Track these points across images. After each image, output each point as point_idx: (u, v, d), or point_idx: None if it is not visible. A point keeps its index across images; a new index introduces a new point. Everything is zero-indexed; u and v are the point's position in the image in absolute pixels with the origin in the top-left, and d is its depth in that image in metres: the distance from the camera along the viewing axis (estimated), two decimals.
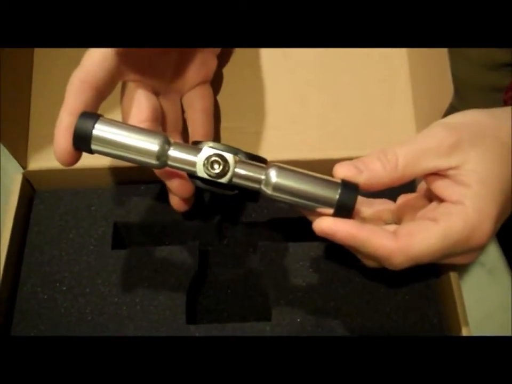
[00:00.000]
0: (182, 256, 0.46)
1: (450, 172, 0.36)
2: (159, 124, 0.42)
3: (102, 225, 0.48)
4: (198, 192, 0.49)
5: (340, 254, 0.46)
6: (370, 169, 0.37)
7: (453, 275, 0.43)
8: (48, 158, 0.48)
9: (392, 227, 0.39)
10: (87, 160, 0.47)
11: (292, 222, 0.48)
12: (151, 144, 0.36)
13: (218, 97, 0.50)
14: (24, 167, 0.48)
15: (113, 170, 0.49)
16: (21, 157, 0.48)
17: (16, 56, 0.48)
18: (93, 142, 0.37)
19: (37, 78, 0.51)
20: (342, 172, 0.37)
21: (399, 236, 0.36)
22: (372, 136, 0.48)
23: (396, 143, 0.44)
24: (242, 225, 0.49)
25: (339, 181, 0.37)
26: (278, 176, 0.36)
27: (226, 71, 0.51)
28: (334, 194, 0.36)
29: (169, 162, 0.37)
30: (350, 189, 0.36)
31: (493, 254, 0.56)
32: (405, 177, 0.37)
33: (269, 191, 0.37)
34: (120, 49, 0.39)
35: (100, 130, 0.36)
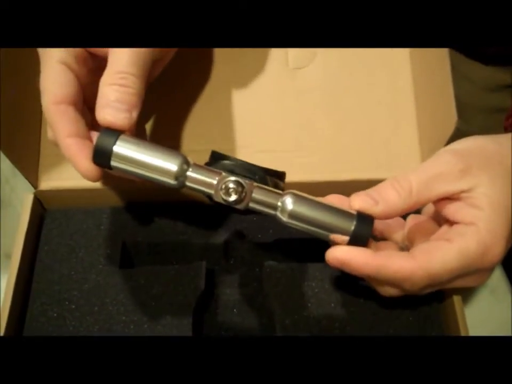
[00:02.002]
0: (189, 275, 0.47)
1: (463, 195, 0.38)
2: (80, 104, 0.40)
3: (110, 245, 0.49)
4: (205, 212, 0.50)
5: (345, 275, 0.46)
6: (386, 200, 0.37)
7: (456, 298, 0.44)
8: (59, 178, 0.49)
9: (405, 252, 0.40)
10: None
11: (298, 242, 0.49)
12: (170, 164, 0.37)
13: (225, 119, 0.51)
14: (35, 186, 0.49)
15: (122, 190, 0.49)
16: (32, 177, 0.49)
17: (29, 78, 0.49)
18: (112, 158, 0.37)
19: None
20: (358, 203, 0.38)
21: (416, 255, 0.37)
22: (377, 158, 0.49)
23: (402, 166, 0.45)
24: (248, 245, 0.49)
25: (354, 212, 0.37)
26: (294, 203, 0.37)
27: (232, 93, 0.51)
28: (350, 225, 0.37)
29: (187, 183, 0.38)
30: (365, 219, 0.37)
31: (495, 274, 0.56)
32: (419, 203, 0.38)
33: (284, 218, 0.37)
34: (70, 56, 0.39)
35: (120, 147, 0.37)
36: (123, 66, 0.38)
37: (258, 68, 0.52)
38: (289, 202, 0.37)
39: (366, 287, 0.45)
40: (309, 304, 0.46)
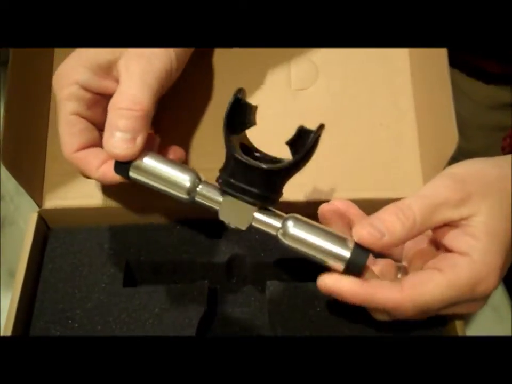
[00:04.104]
0: (192, 294, 0.47)
1: (461, 223, 0.38)
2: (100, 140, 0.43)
3: (114, 264, 0.49)
4: (207, 231, 0.50)
5: None
6: (392, 232, 0.37)
7: (458, 324, 0.44)
8: (63, 197, 0.50)
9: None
10: (100, 200, 0.49)
11: (301, 261, 0.49)
12: (184, 180, 0.39)
13: None
14: (39, 205, 0.49)
15: (126, 210, 0.50)
16: (37, 196, 0.49)
17: (34, 97, 0.50)
18: (131, 169, 0.40)
19: (53, 118, 0.52)
20: (364, 236, 0.38)
21: (404, 287, 0.38)
22: (379, 178, 0.50)
23: (404, 186, 0.45)
24: (251, 264, 0.49)
25: (352, 239, 0.38)
26: (294, 227, 0.38)
27: None
28: (346, 254, 0.38)
29: (197, 199, 0.40)
30: (362, 249, 0.38)
31: (498, 292, 0.56)
32: (421, 231, 0.38)
33: (285, 240, 0.39)
34: (81, 105, 0.41)
35: (139, 160, 0.40)
36: (131, 88, 0.39)
37: (261, 90, 0.52)
38: (290, 225, 0.38)
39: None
40: (312, 323, 0.46)
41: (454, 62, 0.65)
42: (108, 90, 0.41)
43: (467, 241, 0.37)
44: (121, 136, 0.39)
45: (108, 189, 0.49)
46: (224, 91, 0.52)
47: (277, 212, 0.40)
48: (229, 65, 0.53)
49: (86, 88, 0.41)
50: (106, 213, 0.50)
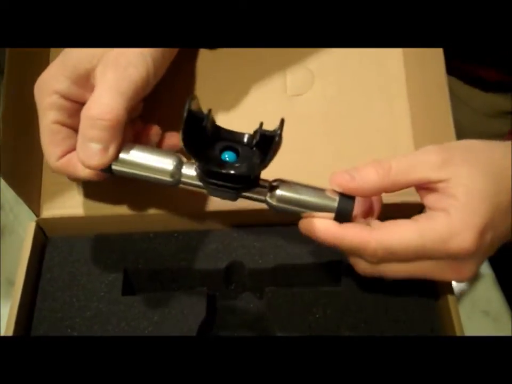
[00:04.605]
0: (191, 301, 0.47)
1: (440, 185, 0.38)
2: None
3: (112, 272, 0.49)
4: (205, 238, 0.50)
5: (346, 300, 0.47)
6: (363, 177, 0.39)
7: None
8: (61, 206, 0.50)
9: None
10: (98, 209, 0.49)
11: (299, 267, 0.49)
12: (166, 164, 0.40)
13: None
14: (37, 215, 0.50)
15: (123, 218, 0.50)
16: (35, 205, 0.49)
17: (30, 106, 0.50)
18: (113, 164, 0.40)
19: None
20: (335, 179, 0.40)
21: (374, 227, 0.39)
22: None
23: (400, 191, 0.45)
24: (249, 270, 0.50)
25: (337, 190, 0.40)
26: (281, 189, 0.40)
27: (232, 120, 0.52)
28: (333, 203, 0.39)
29: (182, 179, 0.41)
30: (347, 197, 0.40)
31: (497, 302, 0.56)
32: (397, 185, 0.39)
33: (273, 202, 0.40)
34: (62, 114, 0.42)
35: (121, 153, 0.40)
36: (103, 96, 0.39)
37: (257, 95, 0.53)
38: (276, 190, 0.40)
39: (368, 313, 0.46)
40: (311, 330, 0.46)
41: (452, 70, 0.65)
42: (87, 99, 0.41)
43: (446, 200, 0.38)
44: (93, 146, 0.39)
45: (105, 198, 0.49)
46: (220, 98, 0.52)
47: (262, 179, 0.41)
48: (225, 70, 0.53)
49: (66, 97, 0.41)
50: (104, 222, 0.50)
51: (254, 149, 0.40)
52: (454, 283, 0.46)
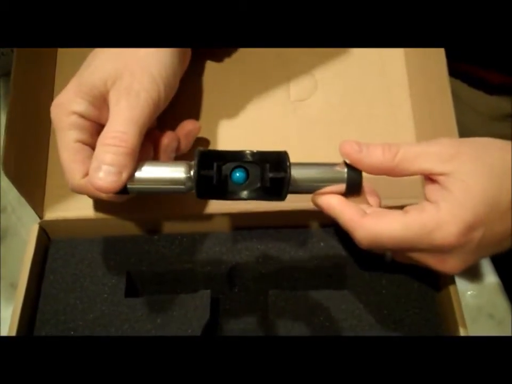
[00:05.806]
0: (194, 304, 0.47)
1: (441, 178, 0.39)
2: None
3: (115, 274, 0.49)
4: (209, 241, 0.50)
5: (350, 303, 0.47)
6: (370, 152, 0.40)
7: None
8: (64, 208, 0.50)
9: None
10: (101, 211, 0.49)
11: (302, 270, 0.49)
12: (178, 173, 0.41)
13: None
14: (40, 217, 0.49)
15: (126, 220, 0.50)
16: (38, 207, 0.49)
17: (36, 109, 0.50)
18: (128, 183, 0.41)
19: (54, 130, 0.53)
20: (344, 147, 0.41)
21: (368, 214, 0.40)
22: (378, 189, 0.49)
23: (403, 196, 0.46)
24: (252, 273, 0.49)
25: (343, 165, 0.41)
26: (293, 171, 0.40)
27: (235, 126, 0.52)
28: (343, 175, 0.41)
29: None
30: (355, 169, 0.41)
31: (502, 306, 0.56)
32: (399, 171, 0.40)
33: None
34: (84, 133, 0.42)
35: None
36: (118, 124, 0.40)
37: (260, 101, 0.53)
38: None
39: (374, 318, 0.46)
40: (315, 332, 0.45)
41: (455, 73, 0.65)
42: (106, 119, 0.42)
43: (440, 193, 0.39)
44: (107, 169, 0.39)
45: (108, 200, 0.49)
46: (223, 104, 0.53)
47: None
48: (229, 77, 0.54)
49: (85, 118, 0.42)
50: (107, 224, 0.50)
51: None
52: (460, 292, 0.46)
